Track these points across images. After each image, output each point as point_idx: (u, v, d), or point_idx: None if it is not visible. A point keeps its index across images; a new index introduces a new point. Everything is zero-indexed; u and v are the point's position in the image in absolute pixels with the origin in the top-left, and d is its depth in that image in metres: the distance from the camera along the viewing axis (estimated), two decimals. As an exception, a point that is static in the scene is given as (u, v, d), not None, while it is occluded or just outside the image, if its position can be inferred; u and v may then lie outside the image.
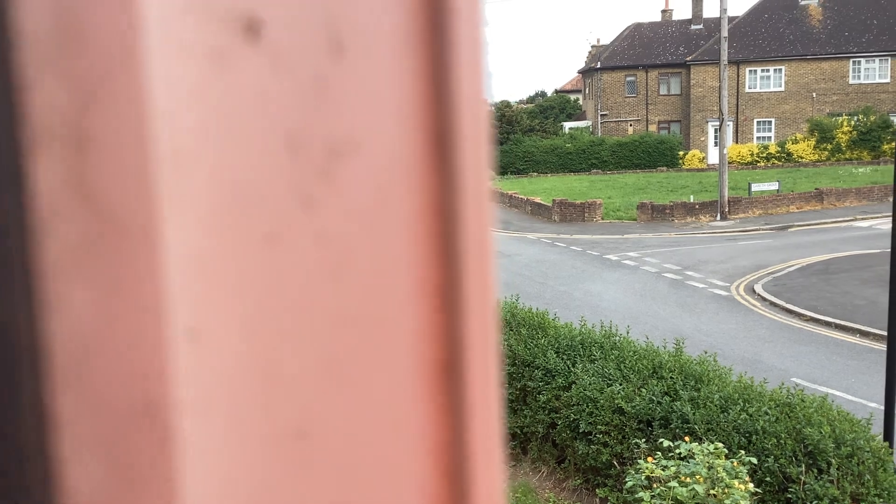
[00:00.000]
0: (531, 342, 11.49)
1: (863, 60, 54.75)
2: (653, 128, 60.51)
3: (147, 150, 0.36)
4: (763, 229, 32.89)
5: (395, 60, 0.44)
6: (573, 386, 10.43)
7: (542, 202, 39.15)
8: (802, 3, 57.60)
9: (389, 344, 0.44)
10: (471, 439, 0.46)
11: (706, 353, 10.78)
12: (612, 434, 9.70)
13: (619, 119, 61.61)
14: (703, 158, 55.60)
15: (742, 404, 8.98)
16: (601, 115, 61.67)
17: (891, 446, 8.81)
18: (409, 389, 0.45)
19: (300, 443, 0.42)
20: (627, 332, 11.57)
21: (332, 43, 0.42)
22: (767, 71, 56.11)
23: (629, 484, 8.13)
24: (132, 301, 0.36)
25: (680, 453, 8.04)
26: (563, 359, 10.98)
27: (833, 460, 8.25)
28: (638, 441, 9.13)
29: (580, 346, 11.10)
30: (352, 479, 0.44)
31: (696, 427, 8.96)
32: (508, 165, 56.48)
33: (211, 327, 0.38)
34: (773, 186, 38.35)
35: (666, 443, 8.40)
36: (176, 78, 0.37)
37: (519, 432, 11.26)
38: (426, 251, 0.45)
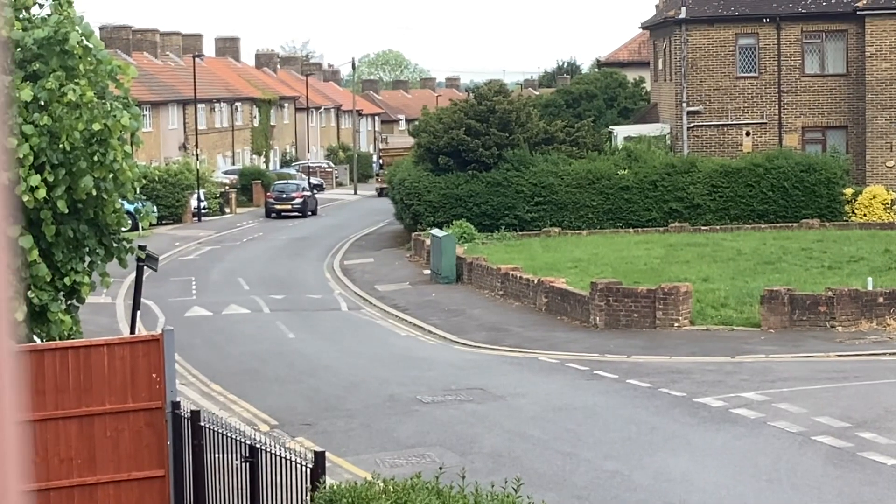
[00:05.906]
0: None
1: None
2: (792, 139, 50.98)
3: None
4: None
5: None
6: None
7: (570, 289, 32.45)
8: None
9: None
10: None
11: None
12: None
13: (723, 121, 52.23)
14: (894, 202, 45.89)
15: None
16: (688, 111, 52.38)
17: None
18: None
19: None
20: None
21: None
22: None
23: None
24: None
25: None
26: None
27: None
28: None
29: None
30: None
31: None
32: (500, 211, 43.83)
33: None
34: None
35: None
36: None
37: None
38: None
